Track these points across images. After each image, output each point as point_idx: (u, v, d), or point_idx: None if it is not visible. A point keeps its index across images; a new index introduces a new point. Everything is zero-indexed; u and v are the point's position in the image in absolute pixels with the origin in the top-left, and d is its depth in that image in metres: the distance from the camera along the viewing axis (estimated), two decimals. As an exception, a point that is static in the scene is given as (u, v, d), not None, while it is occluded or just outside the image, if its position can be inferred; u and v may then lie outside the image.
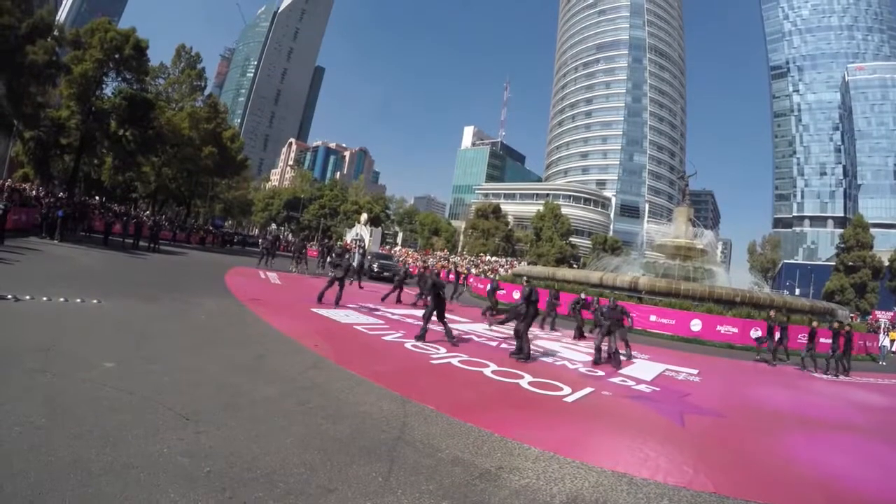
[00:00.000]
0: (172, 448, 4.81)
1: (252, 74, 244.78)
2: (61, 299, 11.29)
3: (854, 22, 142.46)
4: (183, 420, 5.55)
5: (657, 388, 11.27)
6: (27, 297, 10.89)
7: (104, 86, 41.78)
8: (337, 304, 16.98)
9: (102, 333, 9.20)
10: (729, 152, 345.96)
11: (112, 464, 4.35)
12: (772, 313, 21.46)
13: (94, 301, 11.69)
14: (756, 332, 22.19)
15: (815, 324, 20.03)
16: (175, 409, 5.83)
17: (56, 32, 36.04)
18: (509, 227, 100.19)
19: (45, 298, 11.11)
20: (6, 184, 34.25)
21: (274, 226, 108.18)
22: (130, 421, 5.31)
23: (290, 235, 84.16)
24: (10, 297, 10.70)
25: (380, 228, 60.06)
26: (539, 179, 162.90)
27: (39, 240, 25.90)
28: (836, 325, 20.13)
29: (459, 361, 10.91)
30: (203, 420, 5.64)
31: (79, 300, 11.51)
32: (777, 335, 19.76)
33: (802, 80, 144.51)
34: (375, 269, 35.36)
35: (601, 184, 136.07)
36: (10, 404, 5.33)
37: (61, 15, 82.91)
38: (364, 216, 51.68)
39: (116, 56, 39.73)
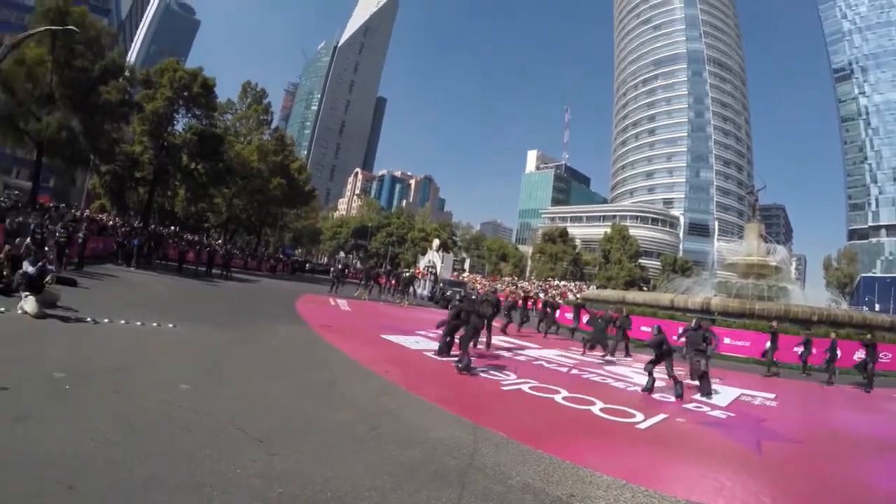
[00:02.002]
0: (246, 469, 4.90)
1: (316, 107, 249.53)
2: (138, 323, 11.71)
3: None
4: (256, 442, 5.65)
5: (732, 414, 10.93)
6: (105, 321, 11.35)
7: (175, 122, 43.40)
8: (488, 347, 16.12)
9: (177, 356, 9.50)
10: (798, 163, 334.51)
11: (186, 482, 4.47)
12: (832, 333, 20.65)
13: (170, 325, 12.06)
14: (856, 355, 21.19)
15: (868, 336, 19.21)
16: (248, 431, 5.95)
17: (127, 73, 37.69)
18: (577, 250, 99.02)
19: (122, 322, 11.54)
20: (84, 214, 35.65)
21: (342, 254, 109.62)
22: (205, 441, 5.46)
23: (357, 263, 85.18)
24: (89, 319, 11.17)
25: (451, 254, 60.12)
26: (605, 201, 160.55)
27: (116, 266, 26.79)
28: (868, 337, 19.32)
29: (530, 388, 10.82)
30: (276, 443, 5.74)
31: (155, 324, 11.90)
32: (838, 353, 18.75)
33: (867, 80, 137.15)
34: (447, 297, 32.84)
35: (668, 202, 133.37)
36: (88, 420, 5.55)
37: (131, 56, 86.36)
38: (436, 242, 51.75)
39: (185, 94, 41.25)
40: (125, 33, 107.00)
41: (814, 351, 19.38)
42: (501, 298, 25.10)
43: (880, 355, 19.57)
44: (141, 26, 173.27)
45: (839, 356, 18.77)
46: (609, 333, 18.59)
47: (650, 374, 12.13)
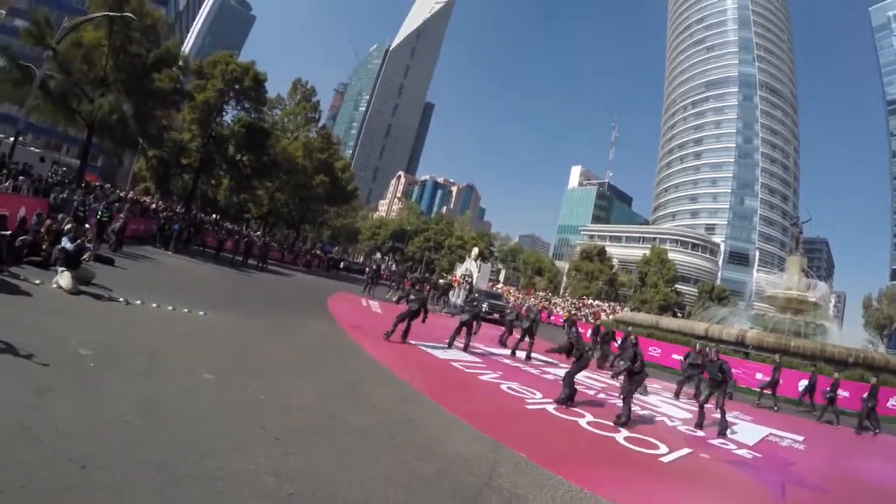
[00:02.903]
0: (259, 466, 4.86)
1: (364, 108, 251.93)
2: (169, 307, 11.79)
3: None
4: (273, 439, 5.62)
5: (759, 455, 10.59)
6: (138, 302, 11.49)
7: (224, 113, 44.22)
8: (466, 349, 16.53)
9: (205, 344, 9.57)
10: (845, 197, 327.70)
11: (197, 473, 4.45)
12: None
13: (201, 312, 12.16)
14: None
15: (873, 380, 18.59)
16: (267, 427, 5.93)
17: (181, 63, 38.35)
18: (613, 270, 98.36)
19: (154, 305, 11.65)
20: (128, 195, 36.28)
21: (378, 255, 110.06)
22: (222, 433, 5.46)
23: (393, 266, 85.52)
24: (121, 300, 11.31)
25: (488, 264, 59.89)
26: (646, 222, 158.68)
27: (154, 249, 27.30)
28: (836, 375, 18.96)
29: (555, 409, 10.64)
30: (293, 441, 5.70)
31: (186, 310, 12.00)
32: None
33: None
34: (485, 309, 27.92)
35: (710, 228, 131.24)
36: (110, 401, 5.60)
37: (186, 46, 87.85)
38: (475, 251, 51.56)
39: (236, 87, 42.08)
40: (181, 24, 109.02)
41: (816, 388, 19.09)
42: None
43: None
44: (197, 18, 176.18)
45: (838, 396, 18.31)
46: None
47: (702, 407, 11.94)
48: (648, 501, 6.48)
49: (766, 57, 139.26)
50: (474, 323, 17.22)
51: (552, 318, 47.75)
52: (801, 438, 13.51)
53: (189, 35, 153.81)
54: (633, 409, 11.44)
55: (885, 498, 9.54)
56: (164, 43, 36.62)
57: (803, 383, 19.75)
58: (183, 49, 45.20)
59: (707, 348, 16.48)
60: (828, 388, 18.01)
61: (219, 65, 41.33)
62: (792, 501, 7.93)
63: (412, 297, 16.24)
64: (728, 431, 11.30)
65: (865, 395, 17.38)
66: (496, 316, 31.68)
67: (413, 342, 15.37)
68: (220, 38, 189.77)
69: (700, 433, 11.33)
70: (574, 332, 12.96)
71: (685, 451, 9.50)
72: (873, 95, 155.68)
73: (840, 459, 12.92)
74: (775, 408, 18.30)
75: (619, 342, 20.91)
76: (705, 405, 11.89)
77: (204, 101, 40.25)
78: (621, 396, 11.19)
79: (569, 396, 11.13)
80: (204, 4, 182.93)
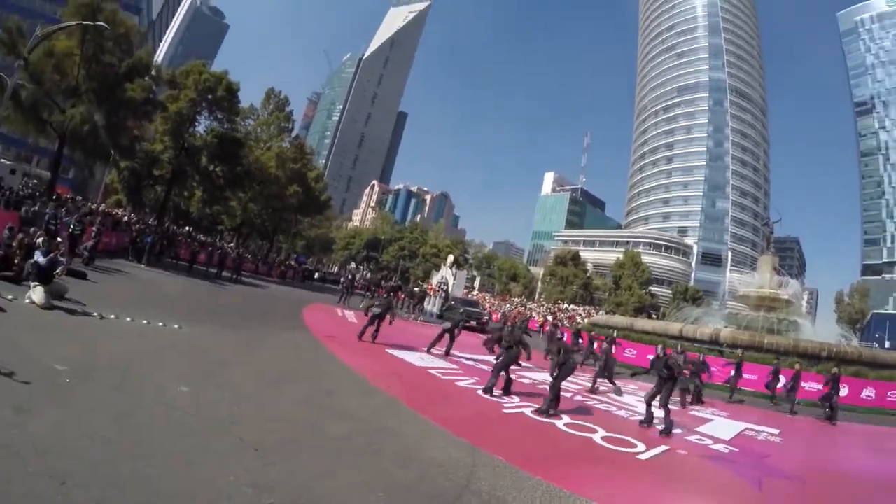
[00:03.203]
0: (238, 477, 4.85)
1: (337, 118, 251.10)
2: (144, 321, 11.68)
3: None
4: (252, 450, 5.61)
5: (735, 449, 10.81)
6: (112, 317, 11.36)
7: (197, 123, 43.79)
8: (447, 355, 16.80)
9: (180, 358, 9.49)
10: (815, 196, 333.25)
11: (176, 487, 4.45)
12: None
13: (175, 326, 12.04)
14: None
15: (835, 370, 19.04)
16: (244, 438, 5.92)
17: (153, 72, 37.93)
18: (588, 274, 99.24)
19: (128, 319, 11.54)
20: (100, 207, 35.89)
21: (353, 264, 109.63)
22: (199, 446, 5.45)
23: (367, 275, 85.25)
24: (95, 314, 11.19)
25: (464, 271, 59.89)
26: (619, 226, 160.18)
27: (127, 262, 26.83)
28: (797, 366, 19.56)
29: (532, 412, 10.71)
30: (271, 452, 5.69)
31: (160, 323, 11.89)
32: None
33: (889, 115, 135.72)
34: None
35: (682, 231, 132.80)
36: (87, 416, 5.55)
37: (159, 56, 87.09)
38: (451, 258, 51.52)
39: (209, 97, 41.68)
40: (154, 32, 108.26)
41: (782, 379, 19.42)
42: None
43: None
44: (170, 27, 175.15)
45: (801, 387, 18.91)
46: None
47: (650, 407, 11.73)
48: (627, 498, 6.57)
49: (735, 62, 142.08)
50: (456, 330, 17.52)
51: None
52: (776, 431, 13.87)
53: (162, 44, 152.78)
54: (591, 405, 11.64)
55: (855, 484, 9.72)
56: (137, 52, 36.33)
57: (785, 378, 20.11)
58: (156, 58, 44.77)
59: (675, 350, 16.79)
60: (789, 380, 18.75)
61: (192, 74, 40.93)
62: (769, 493, 8.08)
63: (377, 303, 17.16)
64: (673, 429, 11.08)
65: (826, 385, 17.86)
66: (474, 323, 31.26)
67: (390, 351, 15.41)
68: (193, 47, 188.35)
69: (678, 430, 11.43)
70: (557, 337, 13.11)
71: (662, 447, 9.65)
72: (842, 97, 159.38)
73: (816, 451, 13.24)
74: (734, 399, 18.84)
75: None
76: (651, 402, 11.59)
77: (176, 112, 39.85)
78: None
79: (552, 404, 10.95)
80: (177, 13, 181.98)
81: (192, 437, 5.67)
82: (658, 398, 11.30)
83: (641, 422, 11.52)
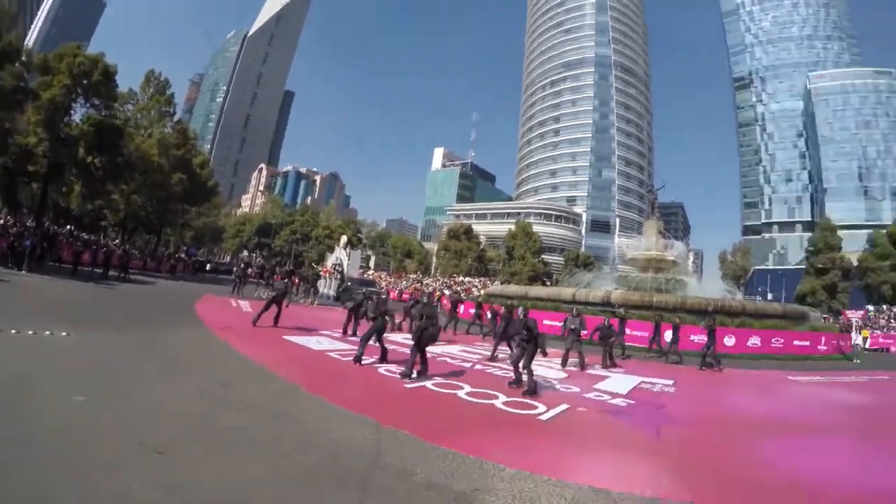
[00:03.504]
0: (144, 482, 4.70)
1: (222, 100, 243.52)
2: (30, 332, 10.97)
3: (814, 32, 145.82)
4: (153, 453, 5.42)
5: (633, 402, 11.29)
6: (-7, 331, 10.63)
7: (72, 112, 40.73)
8: (355, 335, 16.95)
9: (72, 366, 8.99)
10: (697, 164, 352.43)
11: (79, 500, 4.25)
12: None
13: (64, 334, 11.38)
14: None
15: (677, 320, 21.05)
16: (146, 441, 5.70)
17: (24, 58, 35.46)
18: (481, 247, 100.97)
19: (13, 331, 10.81)
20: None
21: (246, 252, 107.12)
22: (99, 455, 5.21)
23: (261, 261, 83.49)
24: (-28, 330, 10.48)
25: (358, 251, 59.44)
26: (510, 198, 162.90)
27: (6, 270, 25.31)
28: (677, 320, 21.28)
29: (434, 385, 10.80)
30: (173, 452, 5.53)
31: (48, 333, 11.20)
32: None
33: (765, 90, 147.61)
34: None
35: (571, 200, 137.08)
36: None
37: (30, 39, 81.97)
38: (344, 238, 50.89)
39: (85, 82, 38.81)
40: (25, 13, 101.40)
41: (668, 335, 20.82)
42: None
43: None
44: (42, 6, 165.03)
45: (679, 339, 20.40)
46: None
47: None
48: (530, 456, 6.71)
49: (620, 39, 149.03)
50: (361, 310, 17.79)
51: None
52: (671, 382, 14.68)
53: (33, 26, 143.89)
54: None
55: (749, 423, 10.30)
56: (6, 36, 33.79)
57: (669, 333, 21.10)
58: (26, 42, 41.90)
59: (570, 313, 17.25)
60: (670, 332, 20.37)
61: (65, 58, 37.82)
62: (667, 439, 8.50)
63: (274, 288, 18.41)
64: (537, 389, 10.97)
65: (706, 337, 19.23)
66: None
67: (287, 337, 15.22)
68: (68, 28, 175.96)
69: (576, 388, 11.78)
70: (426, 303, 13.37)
71: (563, 406, 9.96)
72: (722, 73, 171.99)
73: (710, 398, 14.07)
74: (624, 355, 19.66)
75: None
76: (518, 364, 11.49)
77: (50, 100, 36.82)
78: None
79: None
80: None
81: (91, 446, 5.45)
82: (522, 360, 11.34)
83: (510, 383, 11.58)
